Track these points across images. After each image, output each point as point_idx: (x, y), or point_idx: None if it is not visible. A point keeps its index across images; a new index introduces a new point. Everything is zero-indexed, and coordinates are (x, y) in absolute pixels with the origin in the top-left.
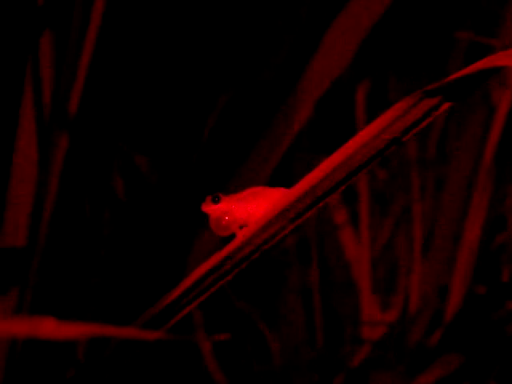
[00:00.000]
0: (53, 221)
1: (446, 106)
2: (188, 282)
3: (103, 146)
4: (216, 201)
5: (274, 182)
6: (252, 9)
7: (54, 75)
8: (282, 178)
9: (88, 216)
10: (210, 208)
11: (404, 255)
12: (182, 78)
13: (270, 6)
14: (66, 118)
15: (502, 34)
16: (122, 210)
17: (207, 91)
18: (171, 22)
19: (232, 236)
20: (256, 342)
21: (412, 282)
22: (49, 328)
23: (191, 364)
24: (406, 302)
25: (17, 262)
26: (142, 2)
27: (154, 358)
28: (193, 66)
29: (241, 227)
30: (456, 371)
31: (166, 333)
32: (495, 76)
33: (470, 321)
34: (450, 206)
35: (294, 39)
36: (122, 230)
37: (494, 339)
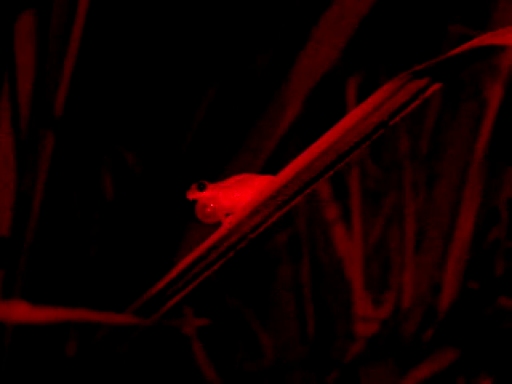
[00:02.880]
0: (41, 218)
1: (434, 87)
2: (174, 272)
3: (91, 142)
4: (201, 188)
5: (266, 171)
6: (240, 2)
7: (36, 72)
8: (273, 171)
9: (77, 213)
10: (195, 195)
11: (396, 251)
12: (169, 72)
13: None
14: (51, 114)
15: (491, 26)
16: (112, 207)
17: (195, 85)
18: (158, 17)
19: (220, 224)
20: (248, 339)
21: (404, 277)
22: (22, 312)
23: (183, 362)
24: (398, 298)
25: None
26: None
27: (144, 357)
28: (180, 60)
29: (227, 215)
30: (449, 367)
31: (152, 319)
32: (486, 66)
33: (462, 316)
34: (443, 201)
35: (284, 32)
36: (112, 228)
37: (487, 335)
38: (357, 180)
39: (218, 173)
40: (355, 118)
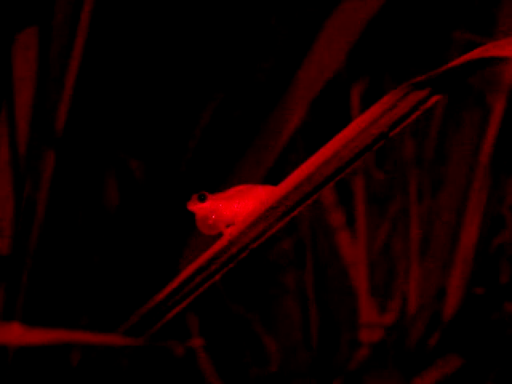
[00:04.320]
0: (44, 228)
1: (434, 98)
2: (176, 282)
3: (94, 150)
4: (202, 199)
5: (269, 180)
6: (245, 8)
7: (37, 84)
8: (275, 180)
9: (80, 222)
10: (196, 206)
11: (401, 257)
12: (173, 79)
13: (264, 6)
14: (54, 122)
15: (496, 33)
16: (115, 215)
17: (199, 92)
18: (162, 26)
19: (220, 235)
20: (252, 345)
21: (410, 283)
22: (15, 334)
23: (187, 367)
24: (403, 305)
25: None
26: (133, 3)
27: (148, 363)
28: (185, 68)
29: (228, 226)
30: (454, 373)
31: (145, 339)
32: (488, 76)
33: (468, 322)
34: (448, 206)
35: (288, 39)
36: (116, 236)
37: (493, 341)
38: (361, 185)
39: (220, 181)
40: (355, 129)
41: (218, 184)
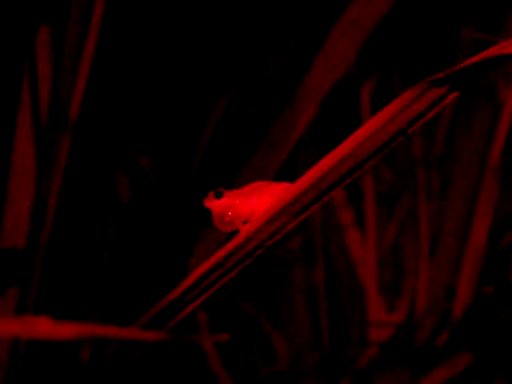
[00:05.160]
0: (56, 222)
1: (452, 95)
2: (191, 279)
3: (106, 146)
4: (218, 196)
5: (278, 178)
6: (256, 8)
7: (52, 76)
8: (286, 177)
9: (92, 217)
10: (212, 203)
11: (410, 255)
12: (185, 77)
13: (274, 6)
14: (67, 119)
15: (507, 31)
16: (126, 211)
17: (210, 89)
18: (174, 25)
19: (235, 232)
20: (261, 344)
21: (419, 282)
22: (45, 328)
23: (196, 365)
24: (412, 303)
25: (17, 263)
26: (145, 3)
27: (158, 359)
28: (196, 66)
29: (244, 222)
30: (463, 372)
31: (167, 333)
32: (501, 71)
33: (477, 321)
34: (457, 205)
35: (298, 38)
36: (126, 231)
37: (502, 340)
38: (371, 184)
39: (231, 178)
40: (374, 126)
41: (229, 181)
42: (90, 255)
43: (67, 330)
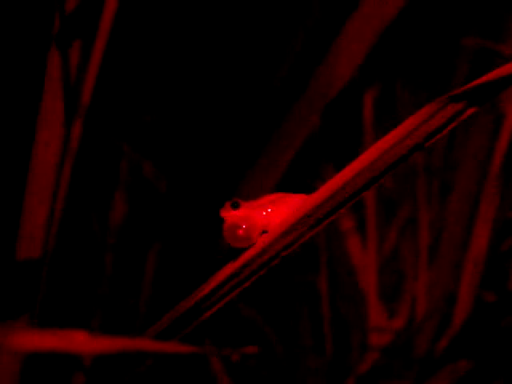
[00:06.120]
0: (60, 230)
1: (470, 111)
2: (206, 289)
3: (110, 153)
4: (235, 206)
5: (281, 187)
6: (262, 13)
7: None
8: (289, 183)
9: (94, 225)
10: (229, 214)
11: (411, 262)
12: (189, 83)
13: (280, 11)
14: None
15: (508, 39)
16: (129, 218)
17: (215, 95)
18: (180, 30)
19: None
20: (263, 350)
21: (419, 288)
22: (82, 342)
23: (197, 369)
24: (412, 309)
25: (33, 275)
26: (154, 5)
27: (160, 365)
28: (200, 71)
29: (260, 234)
30: (463, 378)
31: (192, 345)
32: None
33: (477, 328)
34: (457, 212)
35: (303, 45)
36: (129, 239)
37: (502, 346)
38: (372, 191)
39: (232, 187)
40: (391, 140)
41: (230, 190)
42: (92, 265)
43: (103, 344)
